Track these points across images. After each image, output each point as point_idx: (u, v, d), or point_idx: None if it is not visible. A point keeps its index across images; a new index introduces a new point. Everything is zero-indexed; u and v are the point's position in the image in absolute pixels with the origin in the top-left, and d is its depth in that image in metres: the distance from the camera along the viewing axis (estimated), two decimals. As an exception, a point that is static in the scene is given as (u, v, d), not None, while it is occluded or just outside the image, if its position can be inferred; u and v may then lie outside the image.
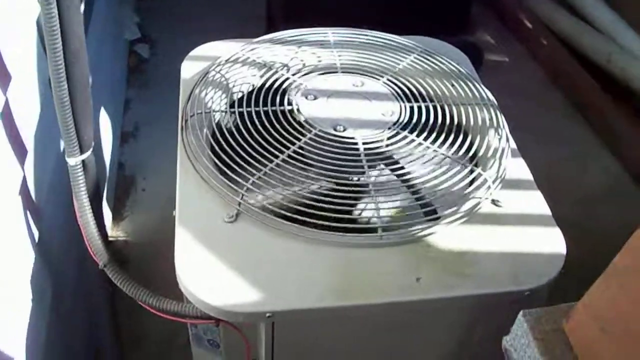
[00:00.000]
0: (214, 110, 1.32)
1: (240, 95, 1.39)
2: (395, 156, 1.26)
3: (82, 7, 1.92)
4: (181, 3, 3.52)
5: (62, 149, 1.27)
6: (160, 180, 2.34)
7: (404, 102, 1.36)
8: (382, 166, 1.24)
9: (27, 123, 1.36)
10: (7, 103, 1.24)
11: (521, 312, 0.84)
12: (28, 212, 1.32)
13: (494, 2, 3.87)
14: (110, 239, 2.16)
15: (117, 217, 2.26)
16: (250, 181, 1.15)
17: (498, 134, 1.34)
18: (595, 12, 3.59)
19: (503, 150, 1.31)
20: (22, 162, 1.30)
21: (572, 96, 3.27)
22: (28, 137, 1.35)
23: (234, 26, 3.27)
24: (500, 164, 1.27)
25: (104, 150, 2.16)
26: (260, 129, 1.25)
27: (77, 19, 1.15)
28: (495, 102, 1.43)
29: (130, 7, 3.15)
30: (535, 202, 1.23)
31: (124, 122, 2.64)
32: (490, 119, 1.37)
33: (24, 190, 1.30)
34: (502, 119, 1.38)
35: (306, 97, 1.34)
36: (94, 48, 2.13)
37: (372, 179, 1.20)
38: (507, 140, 1.34)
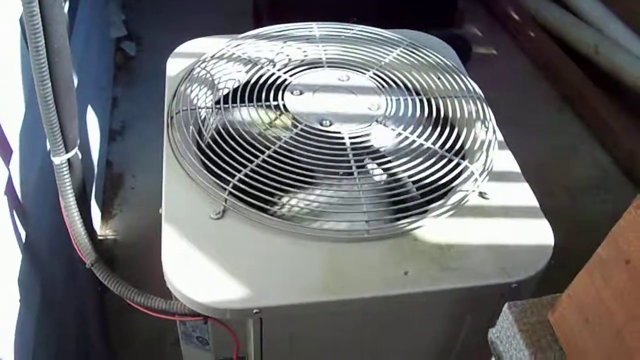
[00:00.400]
0: (199, 107, 1.31)
1: (226, 91, 1.39)
2: (382, 150, 1.26)
3: (67, 5, 1.91)
4: (167, 1, 3.51)
5: (48, 147, 1.26)
6: (149, 178, 2.32)
7: (390, 95, 1.35)
8: (369, 160, 1.24)
9: (12, 122, 1.35)
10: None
11: (506, 304, 0.84)
12: (14, 212, 1.31)
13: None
14: (99, 237, 2.15)
15: (106, 216, 2.25)
16: (237, 178, 1.15)
17: (485, 126, 1.34)
18: (582, 4, 3.60)
19: (490, 142, 1.31)
20: (7, 161, 1.29)
21: (560, 88, 3.28)
22: (13, 137, 1.34)
23: (220, 22, 3.29)
24: (487, 156, 1.27)
25: (92, 149, 2.16)
26: (247, 125, 1.25)
27: (59, 17, 1.14)
28: (482, 94, 1.43)
29: (116, 5, 3.14)
30: (523, 194, 1.23)
31: (111, 120, 2.63)
32: (477, 112, 1.37)
33: (9, 189, 1.29)
34: (488, 112, 1.38)
35: (292, 93, 1.33)
36: (80, 46, 2.12)
37: (359, 173, 1.20)
38: (494, 132, 1.34)
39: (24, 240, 1.35)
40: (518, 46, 3.57)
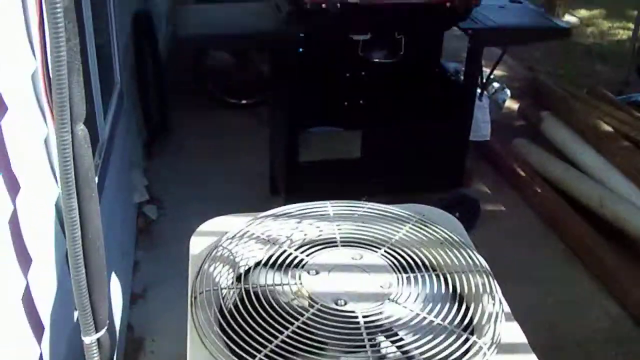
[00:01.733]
0: (221, 288, 1.39)
1: (246, 268, 1.48)
2: (394, 328, 1.32)
3: (97, 179, 2.04)
4: (187, 164, 3.67)
5: (75, 320, 1.33)
6: (169, 342, 2.38)
7: (400, 273, 1.43)
8: (382, 338, 1.30)
9: (45, 301, 1.43)
10: (27, 287, 1.32)
11: None
12: (45, 389, 1.37)
13: (487, 153, 4.02)
14: (119, 402, 2.18)
15: (126, 380, 2.29)
16: (257, 358, 1.21)
17: (492, 299, 1.41)
18: (585, 158, 3.74)
19: (497, 315, 1.37)
20: (39, 339, 1.36)
21: (567, 241, 3.36)
22: (45, 315, 1.42)
23: (238, 185, 3.43)
24: (494, 329, 1.33)
25: (114, 314, 2.22)
26: (266, 305, 1.32)
27: (95, 210, 1.25)
28: (488, 267, 1.50)
29: (139, 171, 3.29)
30: (530, 366, 1.29)
31: (133, 284, 2.71)
32: (484, 285, 1.44)
33: (41, 368, 1.35)
34: (494, 284, 1.45)
35: (308, 272, 1.42)
36: (105, 214, 2.22)
37: (372, 351, 1.26)
38: (501, 304, 1.41)
39: (52, 416, 1.40)
40: (525, 201, 3.68)
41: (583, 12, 7.78)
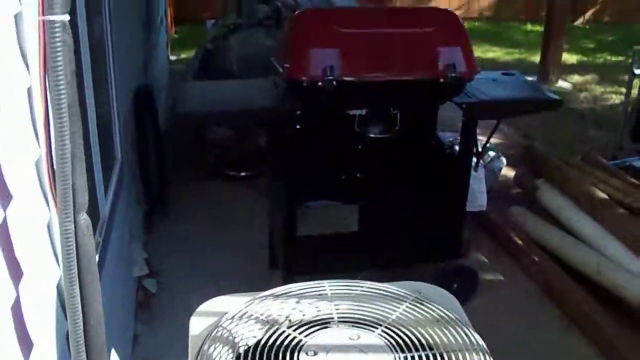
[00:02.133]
0: (221, 371, 1.41)
1: (246, 348, 1.49)
2: (392, 412, 1.34)
3: (97, 256, 2.06)
4: (186, 236, 3.70)
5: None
6: (169, 421, 2.38)
7: (397, 352, 1.45)
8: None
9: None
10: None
11: None
12: None
13: (484, 222, 4.06)
14: None
15: None
16: None
17: (489, 377, 1.43)
18: (581, 225, 3.78)
19: (494, 394, 1.38)
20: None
21: (565, 308, 3.37)
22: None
23: (238, 258, 3.45)
24: (492, 408, 1.35)
25: (114, 392, 2.22)
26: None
27: (96, 294, 1.28)
28: (484, 345, 1.52)
29: (139, 244, 3.32)
30: None
31: (132, 358, 2.71)
32: (480, 363, 1.46)
33: None
34: (491, 362, 1.47)
35: (307, 353, 1.44)
36: (106, 289, 2.24)
37: None
38: (498, 381, 1.42)
39: None
40: (522, 270, 3.70)
41: (576, 78, 7.92)
